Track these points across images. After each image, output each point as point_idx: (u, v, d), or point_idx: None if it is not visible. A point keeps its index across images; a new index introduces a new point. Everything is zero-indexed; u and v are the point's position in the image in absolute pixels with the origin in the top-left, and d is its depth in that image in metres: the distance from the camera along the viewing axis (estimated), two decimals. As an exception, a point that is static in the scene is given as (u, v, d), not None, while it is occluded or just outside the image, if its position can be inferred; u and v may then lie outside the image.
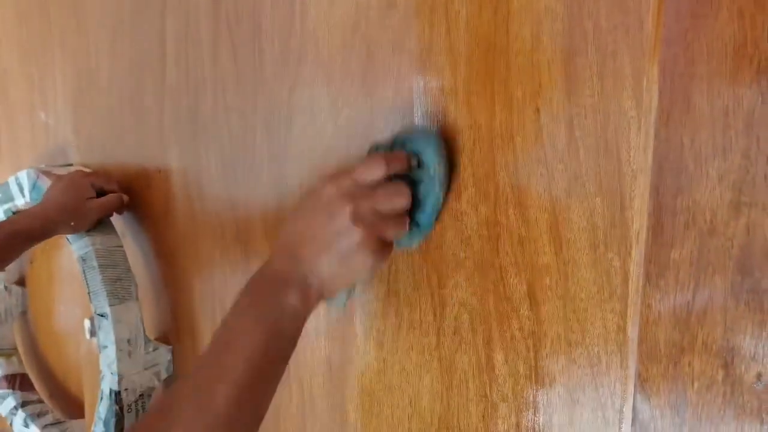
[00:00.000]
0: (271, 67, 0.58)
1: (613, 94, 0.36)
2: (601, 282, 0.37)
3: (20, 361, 1.02)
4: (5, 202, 0.91)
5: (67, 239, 0.78)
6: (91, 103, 0.87)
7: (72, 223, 0.71)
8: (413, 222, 0.45)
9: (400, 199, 0.42)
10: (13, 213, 0.94)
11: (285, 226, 0.44)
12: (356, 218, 0.40)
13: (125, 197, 0.76)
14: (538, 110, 0.40)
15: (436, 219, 0.45)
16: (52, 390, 1.01)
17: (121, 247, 0.76)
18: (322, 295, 0.42)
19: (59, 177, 0.74)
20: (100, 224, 0.75)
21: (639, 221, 0.33)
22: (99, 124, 0.86)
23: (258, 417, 0.41)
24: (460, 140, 0.44)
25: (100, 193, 0.75)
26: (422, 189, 0.44)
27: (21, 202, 0.88)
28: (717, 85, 0.29)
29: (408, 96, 0.47)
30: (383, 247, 0.42)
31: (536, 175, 0.41)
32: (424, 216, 0.45)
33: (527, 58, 0.40)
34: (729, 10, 0.28)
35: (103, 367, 0.72)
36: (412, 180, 0.45)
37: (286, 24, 0.56)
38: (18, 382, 0.99)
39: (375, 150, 0.47)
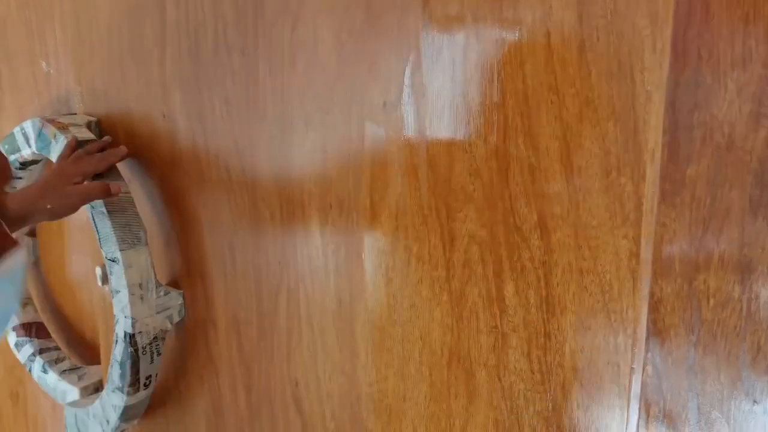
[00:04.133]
0: (272, 8, 0.56)
1: (627, 12, 0.35)
2: (613, 208, 0.37)
3: (35, 310, 1.04)
4: (12, 153, 0.90)
5: (75, 187, 0.78)
6: (91, 49, 0.85)
7: (49, 206, 0.66)
8: None
9: None
10: (21, 164, 0.94)
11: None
12: None
13: (116, 187, 0.70)
14: (548, 34, 0.39)
15: None
16: (68, 337, 1.04)
17: (129, 193, 0.75)
18: None
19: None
20: (102, 177, 0.73)
21: (654, 139, 0.32)
22: (101, 70, 0.84)
23: None
24: (467, 70, 0.43)
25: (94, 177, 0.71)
26: None
27: (27, 152, 0.88)
28: (740, -10, 0.28)
29: (414, 24, 0.45)
30: None
31: (546, 102, 0.39)
32: None
33: (539, -23, 0.38)
34: None
35: (116, 311, 0.73)
36: None
37: (287, -47, 0.54)
38: (35, 330, 1.01)
39: None
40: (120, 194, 0.72)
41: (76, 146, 0.75)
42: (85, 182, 0.70)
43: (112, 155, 0.74)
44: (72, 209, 0.68)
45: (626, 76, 0.35)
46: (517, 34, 0.40)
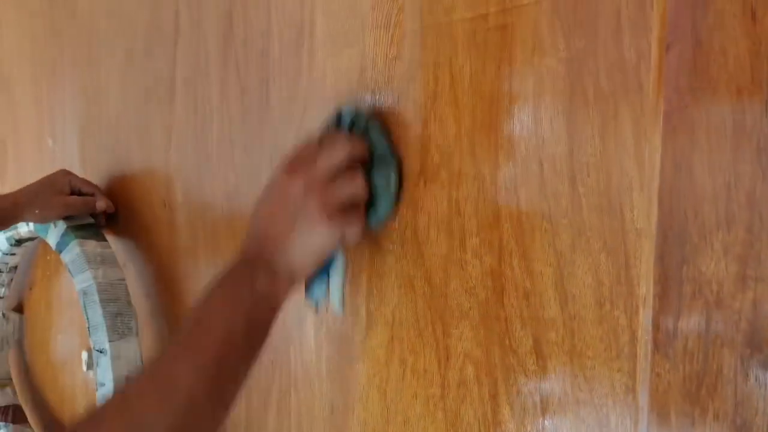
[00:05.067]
0: (279, 109, 0.59)
1: (615, 154, 0.37)
2: (608, 340, 0.37)
3: (14, 392, 1.01)
4: (8, 229, 0.91)
5: (69, 271, 0.78)
6: (98, 132, 0.88)
7: (36, 211, 0.75)
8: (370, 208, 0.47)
9: (358, 190, 0.45)
10: (16, 240, 0.95)
11: (253, 218, 0.46)
12: (321, 207, 0.43)
13: (100, 204, 0.78)
14: (541, 164, 0.41)
15: (393, 206, 0.47)
16: (45, 422, 1.00)
17: (124, 280, 0.75)
18: (292, 279, 0.44)
19: None
20: (79, 229, 0.77)
21: (645, 287, 0.33)
22: (105, 153, 0.86)
23: (223, 405, 0.40)
24: (465, 188, 0.45)
25: (79, 194, 0.79)
26: (376, 179, 0.47)
27: (24, 230, 0.88)
28: (718, 160, 0.29)
29: (414, 143, 0.48)
30: (343, 221, 0.44)
31: (540, 229, 0.41)
32: (381, 205, 0.47)
33: (530, 114, 0.41)
34: (728, 87, 0.29)
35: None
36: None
37: (294, 69, 0.57)
38: (11, 413, 0.98)
39: (335, 121, 0.49)
40: (108, 211, 0.79)
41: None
42: (70, 196, 0.78)
43: (98, 188, 0.81)
44: (57, 217, 0.77)
45: (616, 212, 0.37)
46: (511, 161, 0.42)
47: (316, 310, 0.52)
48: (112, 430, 0.36)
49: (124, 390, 0.40)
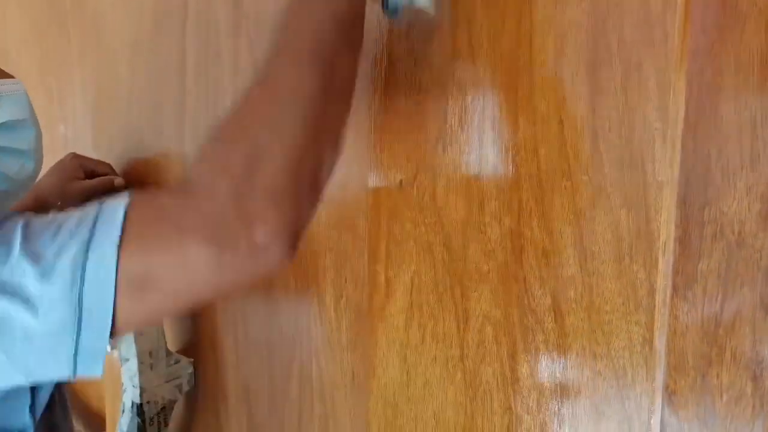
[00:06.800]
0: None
1: (638, 106, 0.37)
2: (626, 294, 0.37)
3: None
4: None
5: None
6: (110, 116, 0.88)
7: (59, 203, 0.73)
8: None
9: None
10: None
11: None
12: None
13: (118, 180, 0.78)
14: (561, 123, 0.41)
15: None
16: (73, 404, 1.02)
17: (142, 259, 0.76)
18: None
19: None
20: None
21: (666, 232, 0.33)
22: (118, 137, 0.87)
23: (339, 99, 0.40)
24: (484, 151, 0.45)
25: (93, 176, 0.78)
26: None
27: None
28: (744, 96, 0.29)
29: (432, 108, 0.48)
30: None
31: (560, 187, 0.41)
32: None
33: (551, 71, 0.41)
34: (756, 22, 0.29)
35: (125, 379, 0.72)
36: None
37: (307, 39, 0.57)
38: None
39: None
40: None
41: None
42: (87, 180, 0.77)
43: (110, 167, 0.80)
44: (78, 204, 0.74)
45: (638, 166, 0.37)
46: (531, 121, 0.42)
47: (400, 21, 0.47)
48: (243, 139, 0.37)
49: (240, 105, 0.39)
